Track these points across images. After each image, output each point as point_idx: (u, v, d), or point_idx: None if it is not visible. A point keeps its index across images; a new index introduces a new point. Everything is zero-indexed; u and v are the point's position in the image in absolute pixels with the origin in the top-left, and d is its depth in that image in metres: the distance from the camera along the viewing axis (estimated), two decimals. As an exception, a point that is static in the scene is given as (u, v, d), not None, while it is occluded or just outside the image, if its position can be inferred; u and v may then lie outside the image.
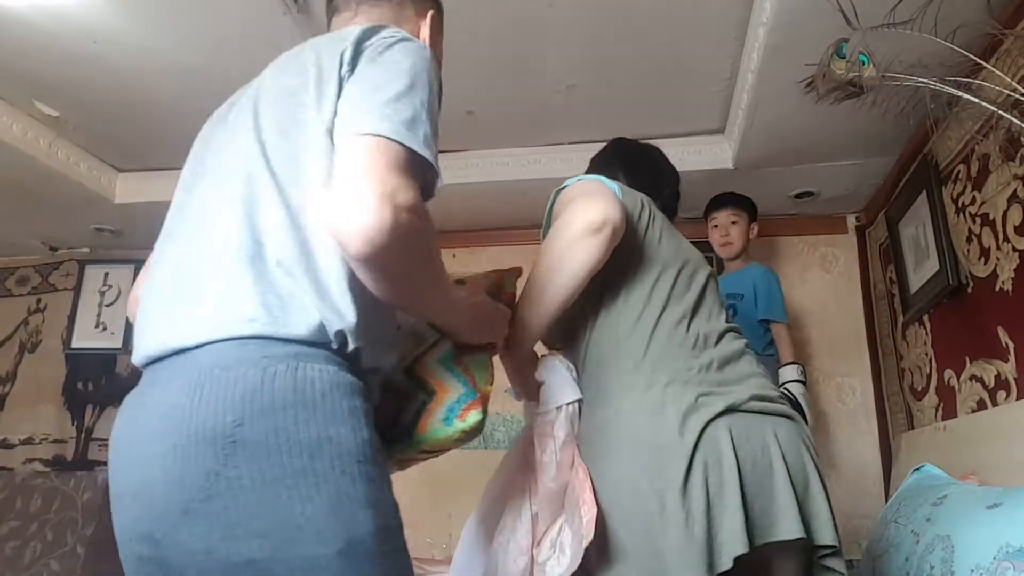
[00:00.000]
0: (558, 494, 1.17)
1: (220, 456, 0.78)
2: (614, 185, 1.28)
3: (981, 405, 2.01)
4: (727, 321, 1.31)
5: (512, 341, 1.21)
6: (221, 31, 2.04)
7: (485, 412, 1.04)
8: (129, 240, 3.34)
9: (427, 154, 0.88)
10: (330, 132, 0.91)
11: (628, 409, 1.16)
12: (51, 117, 2.54)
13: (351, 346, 0.88)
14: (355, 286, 0.88)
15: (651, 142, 2.68)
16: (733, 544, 1.04)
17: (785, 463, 1.12)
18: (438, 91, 1.00)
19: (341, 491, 0.80)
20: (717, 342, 1.24)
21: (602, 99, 2.45)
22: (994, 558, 1.29)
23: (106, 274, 3.53)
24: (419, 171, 0.89)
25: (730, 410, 1.13)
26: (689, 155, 2.70)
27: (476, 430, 1.03)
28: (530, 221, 3.27)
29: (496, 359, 1.17)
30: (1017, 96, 1.54)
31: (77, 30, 2.05)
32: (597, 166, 1.65)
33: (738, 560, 1.04)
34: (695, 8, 1.98)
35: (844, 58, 1.58)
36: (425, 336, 1.09)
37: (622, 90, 2.39)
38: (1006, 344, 1.87)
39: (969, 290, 2.08)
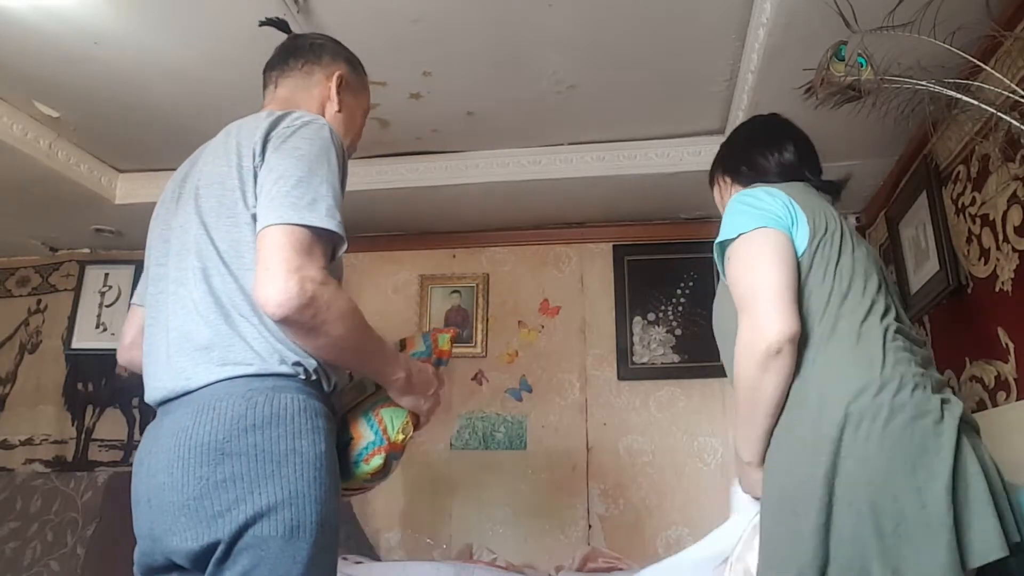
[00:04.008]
0: None
1: (211, 464, 1.01)
2: (789, 206, 1.27)
3: (981, 406, 2.01)
4: None
5: (743, 453, 1.31)
6: (221, 32, 2.04)
7: (390, 457, 1.20)
8: (129, 241, 3.34)
9: (329, 225, 1.07)
10: (255, 216, 1.11)
11: (863, 408, 1.13)
12: (51, 117, 2.53)
13: (313, 375, 1.10)
14: None
15: (651, 142, 2.71)
16: (988, 544, 1.04)
17: (999, 476, 1.14)
18: (340, 157, 1.17)
19: (298, 490, 1.01)
20: (922, 344, 1.26)
21: (602, 99, 2.45)
22: (996, 559, 1.29)
23: (106, 275, 3.53)
24: (326, 241, 1.09)
25: (962, 417, 1.14)
26: (689, 155, 2.71)
27: (380, 472, 1.20)
28: (530, 221, 3.28)
29: None
30: (1016, 98, 1.53)
31: (77, 31, 2.05)
32: (760, 143, 1.53)
33: None
34: (695, 9, 1.98)
35: (843, 60, 1.57)
36: (365, 388, 1.24)
37: (622, 90, 2.39)
38: (1006, 345, 1.87)
39: (969, 291, 2.08)
